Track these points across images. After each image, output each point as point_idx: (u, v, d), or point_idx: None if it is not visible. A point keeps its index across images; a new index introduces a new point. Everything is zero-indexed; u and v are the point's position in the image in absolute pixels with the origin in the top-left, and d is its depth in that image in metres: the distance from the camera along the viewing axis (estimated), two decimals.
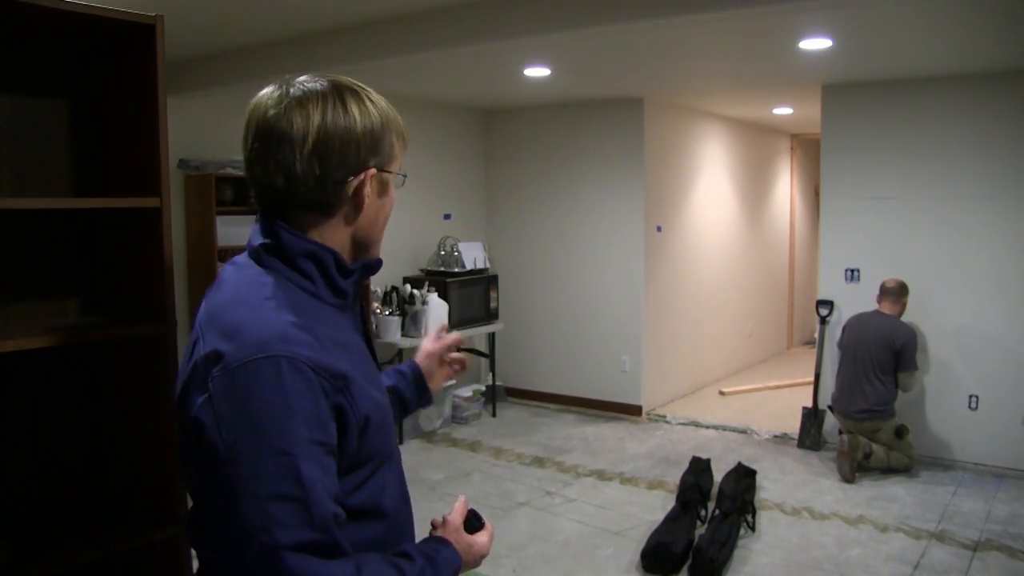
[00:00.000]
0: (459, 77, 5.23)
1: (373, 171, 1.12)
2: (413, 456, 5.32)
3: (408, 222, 6.21)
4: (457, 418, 6.10)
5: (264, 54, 4.68)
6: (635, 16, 3.52)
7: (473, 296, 6.09)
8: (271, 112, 1.09)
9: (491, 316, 6.23)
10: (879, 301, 4.99)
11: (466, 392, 6.20)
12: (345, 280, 1.15)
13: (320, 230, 1.12)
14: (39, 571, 1.58)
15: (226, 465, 0.98)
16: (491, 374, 6.49)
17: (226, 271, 1.14)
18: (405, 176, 1.21)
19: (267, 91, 1.12)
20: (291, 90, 1.11)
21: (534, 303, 6.72)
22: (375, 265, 1.23)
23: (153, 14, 1.70)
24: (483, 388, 6.37)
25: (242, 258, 1.14)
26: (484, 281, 6.18)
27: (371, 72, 4.83)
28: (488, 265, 6.34)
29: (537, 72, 4.98)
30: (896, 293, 4.93)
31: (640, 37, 3.98)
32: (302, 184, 1.09)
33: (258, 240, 1.12)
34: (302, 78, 1.14)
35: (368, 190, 1.13)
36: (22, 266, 1.84)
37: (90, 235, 1.93)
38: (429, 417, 5.84)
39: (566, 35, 3.78)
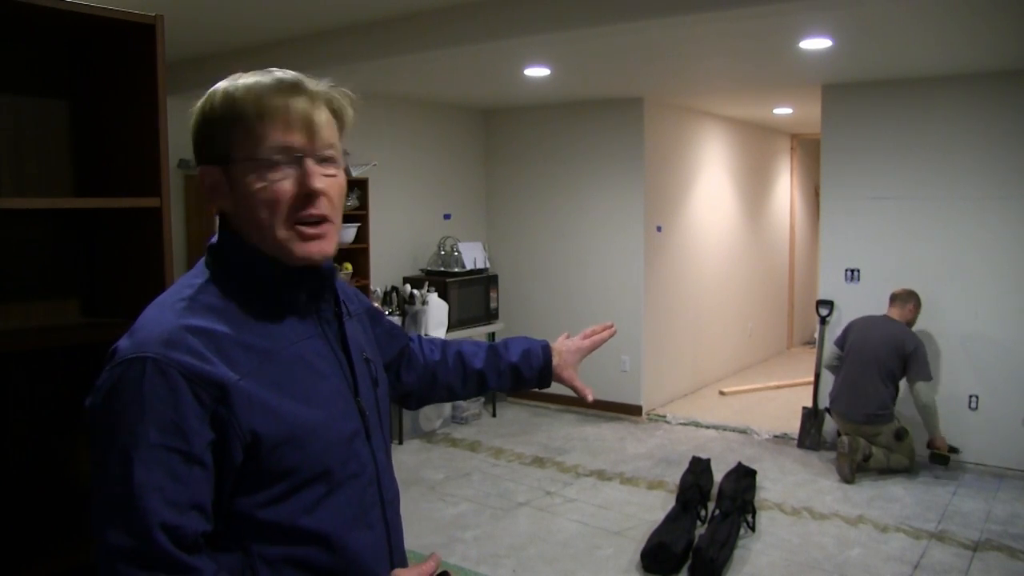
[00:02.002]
0: (459, 77, 5.23)
1: (206, 169, 1.09)
2: (413, 456, 5.32)
3: (408, 222, 6.22)
4: (457, 418, 6.10)
5: (264, 54, 4.69)
6: (635, 16, 3.52)
7: (473, 296, 6.09)
8: None
9: (491, 316, 6.23)
10: (888, 308, 4.98)
11: None
12: (284, 288, 1.10)
13: (247, 232, 1.09)
14: (38, 571, 1.58)
15: (91, 463, 1.00)
16: None
17: (185, 273, 1.15)
18: (279, 161, 1.05)
19: None
20: None
21: (534, 303, 6.72)
22: (323, 272, 1.13)
23: (153, 14, 1.70)
24: None
25: (202, 259, 1.14)
26: (484, 281, 6.18)
27: (371, 72, 4.83)
28: (488, 265, 6.34)
29: (537, 72, 4.98)
30: (902, 299, 4.93)
31: (640, 37, 3.98)
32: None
33: (210, 241, 1.14)
34: None
35: (208, 191, 1.09)
36: (22, 266, 1.84)
37: (90, 235, 1.93)
38: (429, 417, 5.84)
39: (566, 35, 3.78)
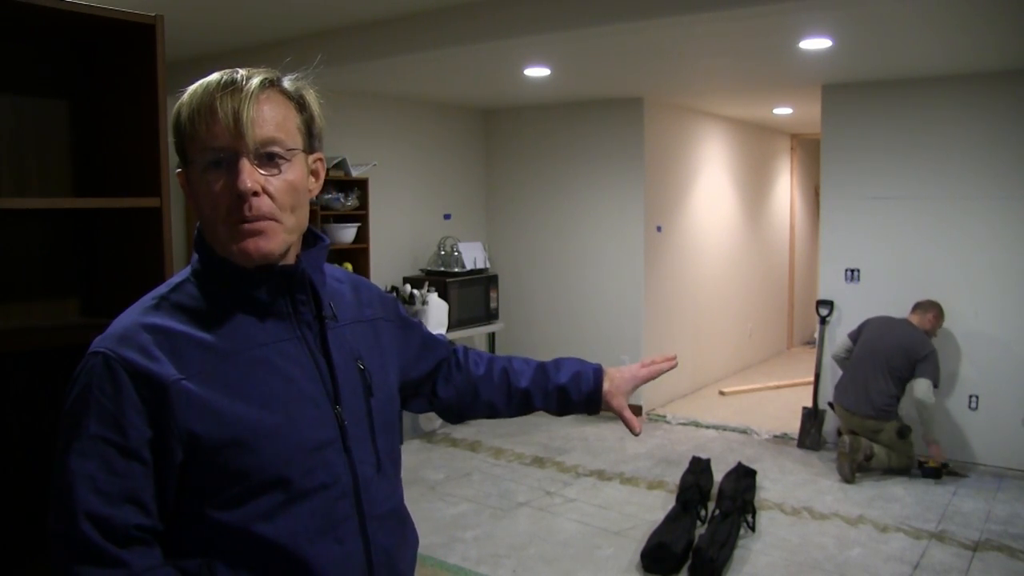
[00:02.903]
0: (459, 77, 5.23)
1: (178, 170, 1.12)
2: (413, 456, 5.32)
3: (408, 222, 6.22)
4: None
5: (264, 54, 4.68)
6: (635, 16, 3.52)
7: (473, 296, 6.09)
8: None
9: (491, 316, 6.23)
10: (909, 313, 4.99)
11: None
12: (248, 288, 1.09)
13: (205, 232, 1.11)
14: (38, 572, 1.58)
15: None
16: None
17: None
18: (214, 160, 1.05)
19: None
20: None
21: (534, 303, 6.72)
22: (290, 272, 1.10)
23: (153, 14, 1.70)
24: None
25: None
26: (484, 281, 6.18)
27: (371, 72, 4.84)
28: (488, 265, 6.34)
29: (537, 72, 4.98)
30: (924, 307, 4.93)
31: (640, 37, 3.98)
32: None
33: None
34: None
35: (184, 188, 1.11)
36: (22, 266, 1.84)
37: (90, 235, 1.93)
38: (429, 417, 5.84)
39: (566, 35, 3.78)
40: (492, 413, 1.45)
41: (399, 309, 1.37)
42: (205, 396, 1.02)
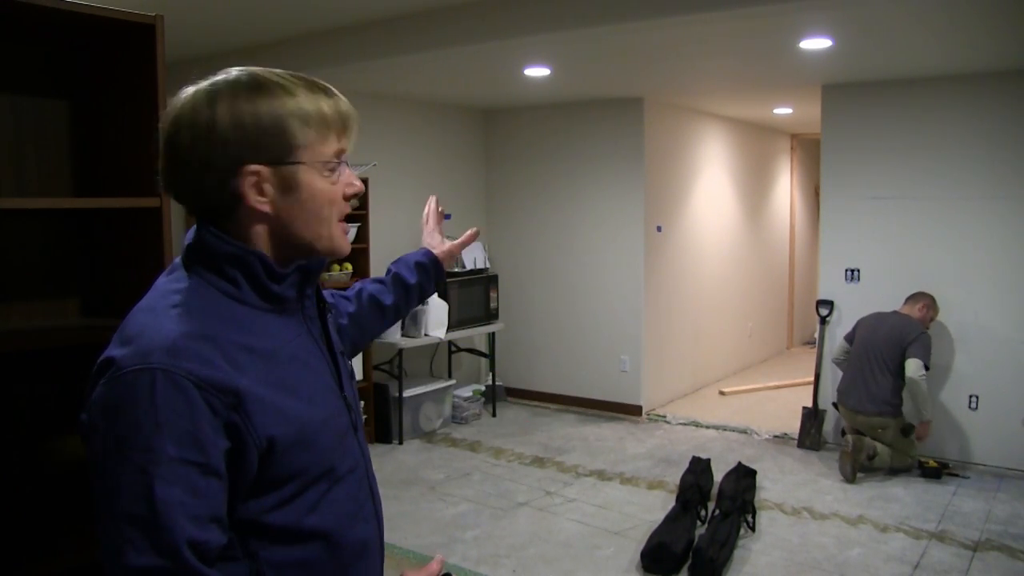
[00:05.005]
0: (459, 77, 5.24)
1: (255, 168, 1.03)
2: (413, 456, 5.32)
3: (408, 222, 6.21)
4: (457, 418, 6.09)
5: (264, 54, 4.69)
6: (635, 16, 3.53)
7: (473, 296, 6.09)
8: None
9: (491, 316, 6.23)
10: (901, 305, 5.02)
11: (466, 392, 6.20)
12: (278, 285, 1.08)
13: (242, 233, 1.06)
14: (39, 571, 1.58)
15: (95, 479, 0.96)
16: (491, 374, 6.49)
17: (160, 276, 1.10)
18: (340, 162, 1.10)
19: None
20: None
21: (534, 303, 6.72)
22: (313, 267, 1.13)
23: (153, 14, 1.70)
24: (483, 388, 6.37)
25: (176, 261, 1.10)
26: (484, 281, 6.18)
27: (371, 72, 4.84)
28: (488, 265, 6.34)
29: (537, 72, 4.98)
30: (914, 297, 4.97)
31: (640, 37, 3.98)
32: (186, 187, 1.06)
33: (186, 243, 1.09)
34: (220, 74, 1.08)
35: (249, 189, 1.03)
36: (22, 266, 1.84)
37: (90, 235, 1.93)
38: (429, 417, 5.84)
39: (566, 35, 3.79)
40: (375, 336, 1.60)
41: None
42: (270, 398, 1.01)
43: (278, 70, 1.09)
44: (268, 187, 1.05)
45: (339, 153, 1.09)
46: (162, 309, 1.01)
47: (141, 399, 0.93)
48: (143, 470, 0.92)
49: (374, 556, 1.17)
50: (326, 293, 1.44)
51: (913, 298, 4.98)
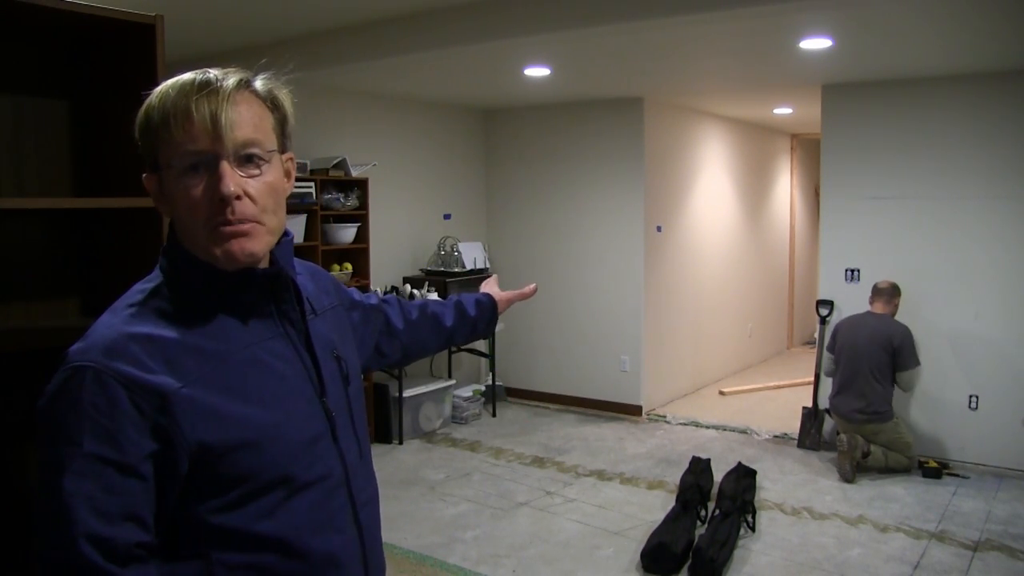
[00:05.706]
0: (459, 77, 5.24)
1: (146, 176, 1.06)
2: (413, 456, 5.32)
3: (408, 222, 6.22)
4: (457, 418, 6.09)
5: (264, 54, 4.67)
6: (635, 16, 3.53)
7: None
8: None
9: None
10: (871, 302, 4.99)
11: (466, 392, 6.20)
12: (216, 290, 1.06)
13: (183, 237, 1.07)
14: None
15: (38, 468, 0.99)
16: (491, 374, 6.49)
17: None
18: (199, 162, 1.02)
19: None
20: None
21: (534, 303, 6.71)
22: (270, 273, 1.09)
23: (153, 14, 1.70)
24: (483, 388, 6.37)
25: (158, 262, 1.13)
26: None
27: (371, 72, 4.84)
28: (488, 265, 6.34)
29: (537, 72, 4.98)
30: (889, 294, 4.94)
31: (640, 37, 3.98)
32: None
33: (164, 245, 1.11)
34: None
35: (153, 192, 1.06)
36: (22, 266, 1.84)
37: (90, 235, 1.93)
38: (429, 417, 5.84)
39: (566, 35, 3.79)
40: (426, 353, 1.61)
41: (346, 291, 1.40)
42: (208, 402, 1.00)
43: (203, 70, 1.06)
44: (157, 195, 1.07)
45: (200, 153, 1.01)
46: (120, 308, 1.04)
47: (71, 394, 0.96)
48: (59, 461, 0.95)
49: (350, 568, 1.13)
50: (354, 291, 1.44)
51: (888, 294, 4.93)
